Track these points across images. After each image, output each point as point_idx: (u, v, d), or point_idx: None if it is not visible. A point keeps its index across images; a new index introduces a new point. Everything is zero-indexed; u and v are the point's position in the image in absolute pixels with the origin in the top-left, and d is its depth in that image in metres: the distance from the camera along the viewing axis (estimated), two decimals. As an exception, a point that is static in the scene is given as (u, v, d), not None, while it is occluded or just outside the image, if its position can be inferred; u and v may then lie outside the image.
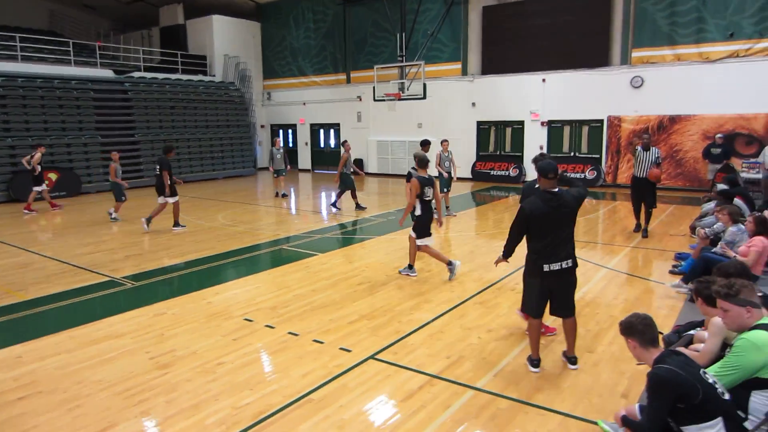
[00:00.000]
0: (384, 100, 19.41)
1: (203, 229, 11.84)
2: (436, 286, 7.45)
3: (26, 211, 14.42)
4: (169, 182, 11.50)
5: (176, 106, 21.94)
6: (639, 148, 10.06)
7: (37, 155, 14.27)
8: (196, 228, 11.98)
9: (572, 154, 18.50)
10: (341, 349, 5.42)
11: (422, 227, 7.62)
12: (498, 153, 20.04)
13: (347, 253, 9.53)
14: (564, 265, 4.60)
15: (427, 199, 7.49)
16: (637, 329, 3.25)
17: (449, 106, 20.69)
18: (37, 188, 14.62)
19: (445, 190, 12.83)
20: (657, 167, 9.85)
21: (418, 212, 7.56)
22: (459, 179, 20.01)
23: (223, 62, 25.14)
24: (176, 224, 11.88)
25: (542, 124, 18.90)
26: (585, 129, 18.21)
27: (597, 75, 17.62)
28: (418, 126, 21.57)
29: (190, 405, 4.44)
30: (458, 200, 15.72)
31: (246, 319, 6.32)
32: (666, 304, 6.57)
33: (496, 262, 5.13)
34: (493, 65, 19.89)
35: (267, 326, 6.10)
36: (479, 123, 20.28)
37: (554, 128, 18.83)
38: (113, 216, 13.08)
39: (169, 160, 11.71)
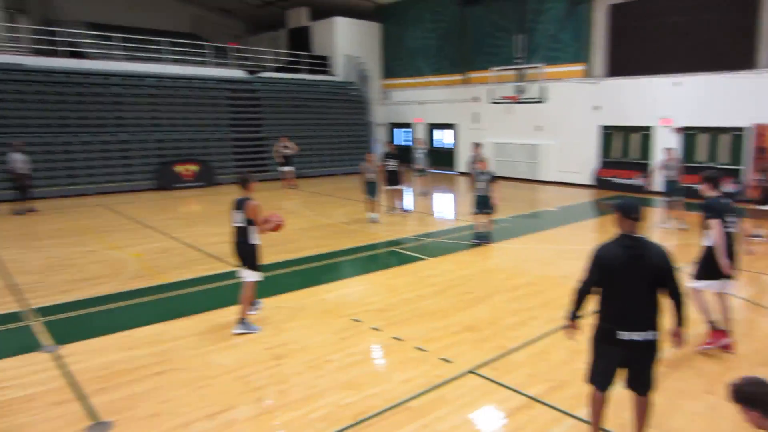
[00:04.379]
0: (500, 103, 19.12)
1: (321, 225, 12.48)
2: (547, 302, 7.30)
3: (291, 186, 18.81)
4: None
5: (300, 105, 23.19)
6: None
7: (276, 146, 18.75)
8: (314, 224, 12.67)
9: (709, 164, 17.04)
10: (442, 359, 5.55)
11: None
12: (623, 160, 18.97)
13: (457, 260, 9.60)
14: (644, 337, 3.70)
15: None
16: (763, 400, 2.63)
17: (570, 108, 19.90)
18: (282, 169, 19.01)
19: None
20: None
21: None
22: (579, 186, 19.33)
23: (344, 62, 26.13)
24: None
25: (674, 130, 17.59)
26: (725, 137, 16.67)
27: (741, 78, 16.02)
28: (536, 128, 21.00)
29: (299, 398, 4.82)
30: (576, 209, 15.15)
31: (354, 320, 6.66)
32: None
33: (566, 330, 4.13)
34: (619, 67, 18.83)
35: (373, 328, 6.39)
36: (603, 128, 19.31)
37: (688, 135, 17.45)
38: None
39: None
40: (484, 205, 10.55)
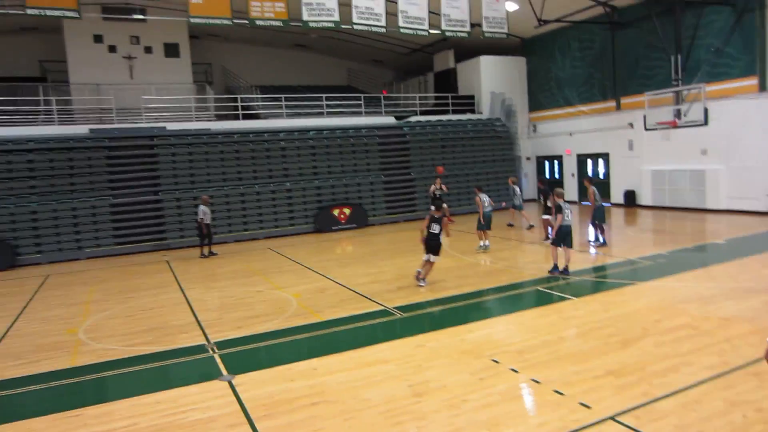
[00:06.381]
0: (656, 129, 17.93)
1: (465, 265, 12.72)
2: (703, 347, 6.75)
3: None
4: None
5: (446, 145, 23.89)
6: None
7: (433, 186, 19.61)
8: (459, 263, 12.95)
9: None
10: (581, 404, 5.44)
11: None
12: (811, 182, 16.60)
13: (604, 300, 9.22)
14: None
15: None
16: None
17: (743, 127, 17.95)
18: (433, 207, 19.84)
19: None
20: None
21: None
22: (757, 214, 17.23)
23: (489, 99, 26.42)
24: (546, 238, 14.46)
25: None
26: None
27: None
28: (702, 153, 19.23)
29: (437, 435, 5.07)
30: (749, 241, 13.59)
31: (493, 360, 6.76)
32: None
33: (766, 355, 4.11)
34: (803, 77, 16.69)
35: (512, 369, 6.44)
36: (785, 146, 17.12)
37: None
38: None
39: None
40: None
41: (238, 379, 6.66)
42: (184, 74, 24.54)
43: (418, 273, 10.88)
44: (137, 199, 18.26)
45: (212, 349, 7.90)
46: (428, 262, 10.80)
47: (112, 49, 23.48)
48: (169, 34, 24.08)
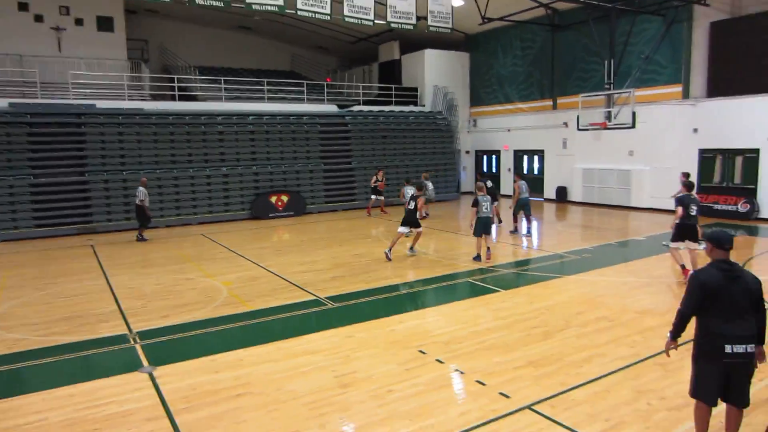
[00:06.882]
0: (588, 130, 18.66)
1: (402, 255, 12.80)
2: (617, 339, 7.11)
3: (367, 214, 20.12)
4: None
5: (388, 136, 23.94)
6: None
7: (374, 177, 20.11)
8: (395, 253, 13.01)
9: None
10: (501, 393, 5.60)
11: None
12: (724, 185, 17.73)
13: (530, 292, 9.52)
14: (749, 349, 4.08)
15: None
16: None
17: (666, 132, 18.99)
18: (374, 197, 20.07)
19: None
20: None
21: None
22: (674, 212, 18.23)
23: (432, 92, 26.66)
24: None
25: (784, 152, 16.25)
26: None
27: None
28: (629, 154, 20.18)
29: (359, 425, 5.09)
30: (667, 238, 14.37)
31: (421, 351, 6.86)
32: None
33: (667, 349, 4.52)
34: (722, 87, 17.76)
35: (437, 360, 6.55)
36: (702, 151, 18.21)
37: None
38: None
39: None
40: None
41: (160, 371, 6.45)
42: (118, 50, 23.36)
43: (388, 253, 12.37)
44: (61, 180, 17.28)
45: (134, 339, 7.60)
46: (410, 234, 12.70)
47: (38, 18, 22.00)
48: (103, 6, 22.84)
